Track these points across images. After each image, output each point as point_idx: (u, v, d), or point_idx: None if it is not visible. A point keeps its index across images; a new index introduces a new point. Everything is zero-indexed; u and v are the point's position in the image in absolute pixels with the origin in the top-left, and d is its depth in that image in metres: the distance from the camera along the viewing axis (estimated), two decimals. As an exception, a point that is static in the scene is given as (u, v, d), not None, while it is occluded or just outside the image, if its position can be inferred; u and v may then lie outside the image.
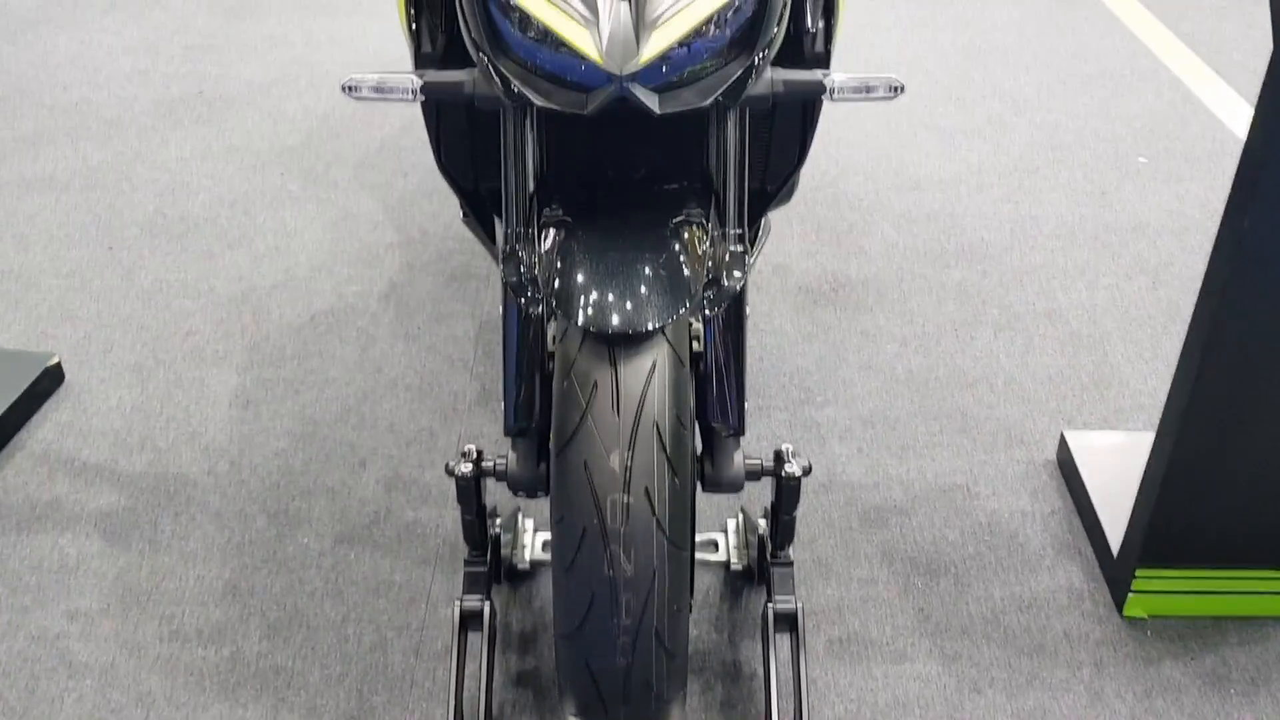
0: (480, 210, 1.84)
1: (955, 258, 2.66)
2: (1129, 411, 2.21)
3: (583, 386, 1.27)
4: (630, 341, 1.28)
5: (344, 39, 3.67)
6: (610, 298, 1.27)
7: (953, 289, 2.55)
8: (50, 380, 2.21)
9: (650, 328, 1.26)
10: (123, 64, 3.48)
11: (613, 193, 1.52)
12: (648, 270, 1.32)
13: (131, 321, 2.41)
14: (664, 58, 1.26)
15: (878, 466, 2.07)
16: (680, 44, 1.27)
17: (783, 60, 1.46)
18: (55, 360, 2.22)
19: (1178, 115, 3.29)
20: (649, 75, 1.26)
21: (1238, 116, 3.29)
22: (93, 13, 3.83)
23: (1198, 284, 2.56)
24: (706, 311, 1.40)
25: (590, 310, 1.26)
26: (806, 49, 1.58)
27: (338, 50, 3.60)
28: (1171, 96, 3.39)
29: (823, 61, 1.61)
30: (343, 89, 1.40)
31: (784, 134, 1.71)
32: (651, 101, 1.27)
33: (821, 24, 1.59)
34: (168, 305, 2.46)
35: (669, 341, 1.30)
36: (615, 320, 1.26)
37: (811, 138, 1.73)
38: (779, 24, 1.35)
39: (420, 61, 1.61)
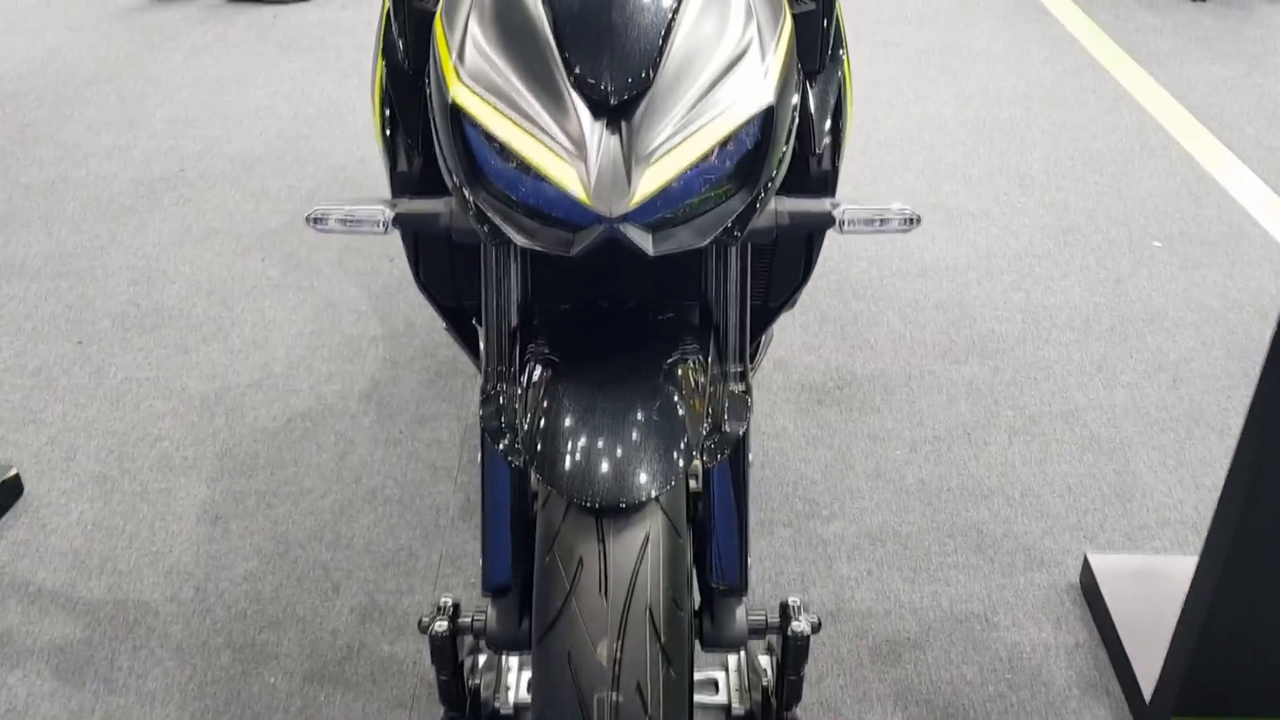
0: (463, 324, 1.72)
1: (965, 351, 2.53)
2: (1154, 528, 2.08)
3: (566, 564, 1.14)
4: (621, 513, 1.15)
5: (332, 112, 3.58)
6: (598, 464, 1.15)
7: (964, 387, 2.42)
8: (7, 494, 2.07)
9: (643, 499, 1.13)
10: (103, 139, 3.38)
11: (603, 324, 1.40)
12: (641, 426, 1.19)
13: (98, 425, 2.28)
14: (658, 195, 1.14)
15: (889, 591, 1.93)
16: (677, 179, 1.15)
17: (787, 179, 1.34)
18: (13, 473, 2.09)
19: (1191, 195, 3.18)
20: (641, 213, 1.15)
21: (1253, 197, 3.18)
22: (75, 84, 3.73)
23: (1220, 382, 2.44)
24: (707, 463, 1.27)
25: (576, 479, 1.13)
26: (813, 167, 1.47)
27: (325, 124, 3.50)
28: (1184, 174, 3.29)
29: (830, 180, 1.50)
30: (307, 221, 1.28)
31: (788, 250, 1.59)
32: (645, 242, 1.15)
33: (829, 139, 1.48)
34: (137, 407, 2.33)
35: (664, 510, 1.17)
36: (603, 491, 1.13)
37: (817, 254, 1.61)
38: (784, 153, 1.24)
39: (395, 181, 1.49)
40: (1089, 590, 1.91)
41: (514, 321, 1.36)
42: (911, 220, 1.28)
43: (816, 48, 1.44)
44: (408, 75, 1.44)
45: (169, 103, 3.61)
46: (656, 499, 1.16)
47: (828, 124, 1.47)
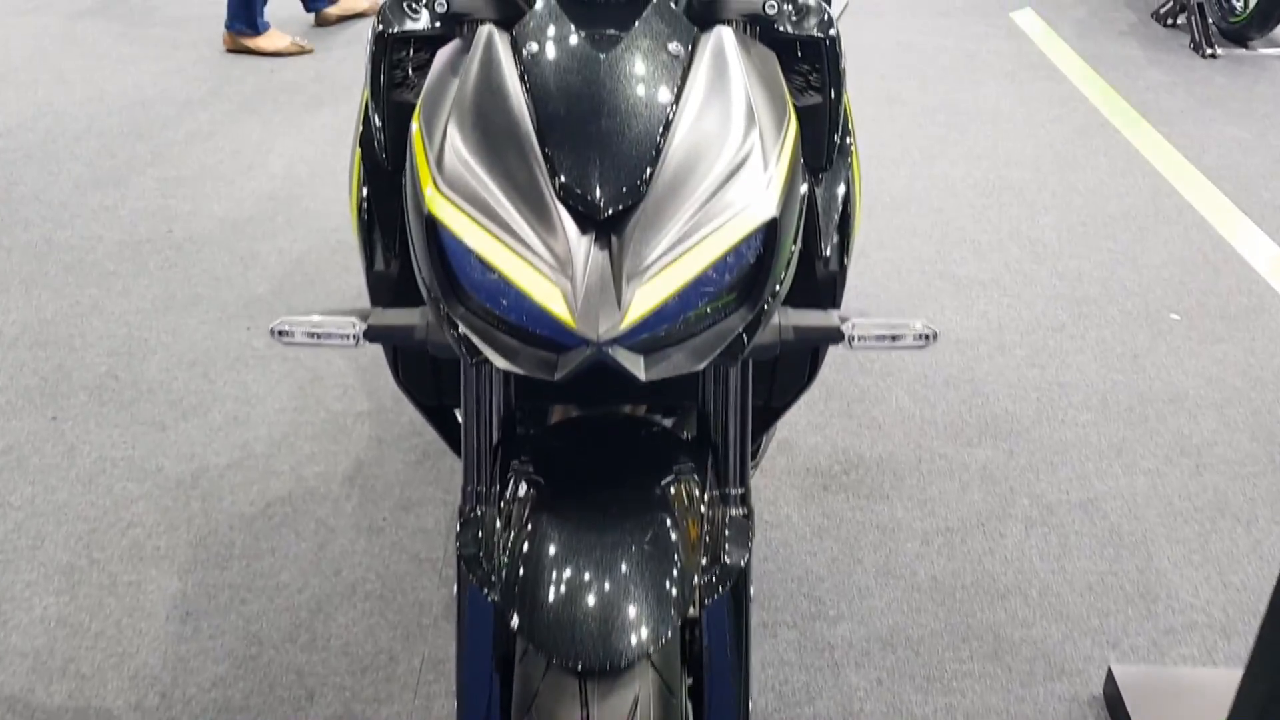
0: (445, 420, 1.62)
1: (978, 433, 2.42)
2: (1180, 631, 1.96)
3: (546, 730, 1.03)
4: (607, 673, 1.04)
5: (325, 171, 3.49)
6: (581, 618, 1.03)
7: (977, 472, 2.31)
8: (-34, 588, 1.97)
9: (632, 660, 1.02)
10: (91, 199, 3.29)
11: (592, 438, 1.29)
12: (631, 570, 1.08)
13: (68, 509, 2.18)
14: (651, 315, 1.04)
15: (900, 704, 1.82)
16: (671, 299, 1.05)
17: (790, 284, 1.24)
18: (-27, 565, 1.98)
19: (1209, 264, 3.08)
20: (633, 335, 1.04)
21: (1272, 266, 3.08)
22: (65, 140, 3.65)
23: (1244, 469, 2.33)
24: (704, 601, 1.16)
25: (556, 635, 1.02)
26: (819, 270, 1.37)
27: (318, 184, 3.42)
28: (1200, 241, 3.19)
29: (837, 282, 1.40)
30: (272, 334, 1.18)
31: (793, 352, 1.49)
32: (636, 366, 1.05)
33: (836, 239, 1.38)
34: (110, 489, 2.22)
35: (655, 668, 1.06)
36: (587, 651, 1.02)
37: (824, 354, 1.51)
38: (789, 265, 1.14)
39: (371, 281, 1.39)
40: (1113, 704, 1.79)
41: (495, 438, 1.26)
42: (927, 337, 1.18)
43: (823, 144, 1.34)
44: (386, 171, 1.35)
45: (160, 160, 3.54)
46: (648, 655, 1.05)
47: (835, 223, 1.37)
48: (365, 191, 1.37)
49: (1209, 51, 4.56)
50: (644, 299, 1.02)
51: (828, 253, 1.36)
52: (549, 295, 1.03)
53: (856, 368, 2.62)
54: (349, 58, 4.39)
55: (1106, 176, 3.57)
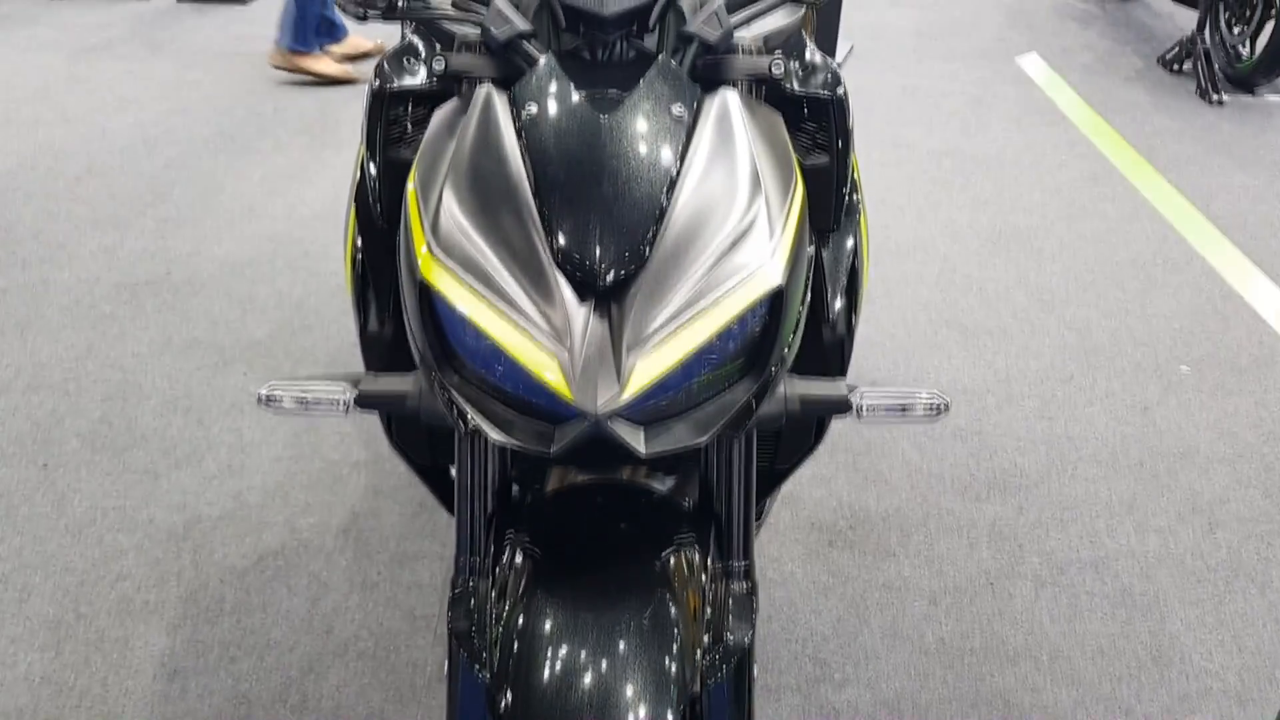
0: (440, 481, 1.58)
1: (986, 488, 2.38)
2: (1194, 699, 1.91)
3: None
4: None
5: (327, 213, 3.47)
6: (578, 704, 0.99)
7: (985, 529, 2.26)
8: (-52, 643, 1.92)
9: None
10: (89, 240, 3.27)
11: (589, 506, 1.25)
12: (629, 652, 1.03)
13: (56, 561, 2.13)
14: (652, 387, 1.00)
15: (907, 774, 1.76)
16: (672, 371, 1.01)
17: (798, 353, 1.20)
18: (-44, 620, 1.93)
19: (1218, 314, 3.04)
20: (633, 408, 1.01)
21: (1284, 317, 3.05)
22: (65, 180, 3.64)
23: (1259, 527, 2.28)
24: (706, 682, 1.11)
25: None
26: (825, 335, 1.33)
27: (320, 225, 3.39)
28: (1210, 291, 3.16)
29: (844, 346, 1.36)
30: (259, 400, 1.14)
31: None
32: (636, 440, 1.01)
33: (844, 300, 1.34)
34: (99, 540, 2.18)
35: None
36: None
37: (830, 418, 1.47)
38: (795, 333, 1.10)
39: (365, 342, 1.36)
40: (1128, 776, 1.74)
41: (490, 508, 1.22)
42: (938, 408, 1.14)
43: (830, 204, 1.31)
44: (381, 230, 1.31)
45: (160, 200, 3.51)
46: None
47: (842, 285, 1.34)
48: (359, 249, 1.34)
49: (1215, 98, 4.54)
50: (645, 370, 0.99)
51: (835, 316, 1.33)
52: (545, 365, 0.99)
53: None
54: (354, 98, 4.39)
55: (1114, 224, 3.54)
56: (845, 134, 1.31)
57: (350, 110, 4.25)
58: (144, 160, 3.79)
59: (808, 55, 1.36)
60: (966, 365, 2.79)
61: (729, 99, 1.12)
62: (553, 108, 1.08)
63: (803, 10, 1.38)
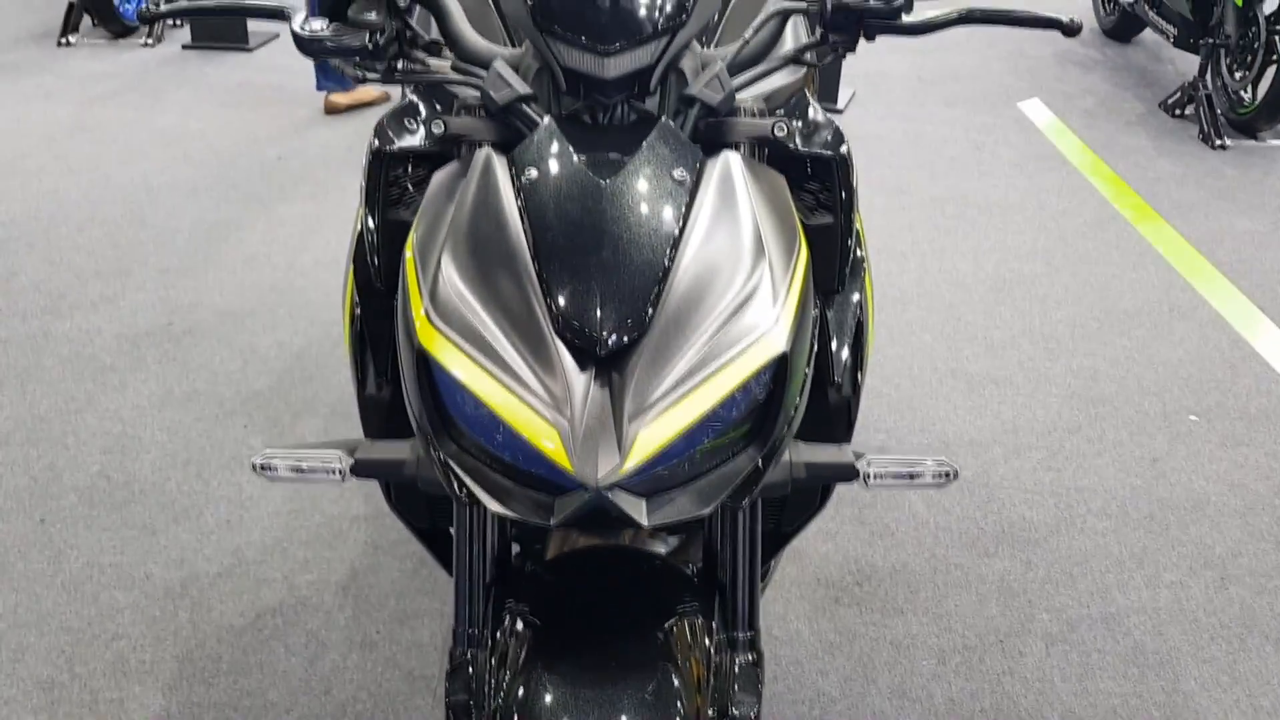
0: (439, 542, 1.55)
1: (995, 542, 2.34)
2: (1213, 761, 1.87)
3: None
4: None
5: (329, 260, 3.46)
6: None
7: (994, 584, 2.23)
8: (-61, 706, 1.88)
9: None
10: (91, 289, 3.26)
11: (591, 574, 1.22)
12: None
13: (52, 619, 2.10)
14: (654, 457, 0.98)
15: (917, 842, 1.72)
16: (675, 441, 0.99)
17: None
18: (-53, 682, 1.90)
19: (1226, 362, 3.02)
20: (634, 478, 0.98)
21: (1292, 365, 3.02)
22: (68, 229, 3.64)
23: (1272, 581, 2.24)
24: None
25: None
26: (831, 396, 1.31)
27: (322, 274, 3.38)
28: (1216, 339, 3.14)
29: (850, 408, 1.34)
30: (253, 469, 1.12)
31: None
32: (638, 512, 0.99)
33: (848, 360, 1.32)
34: (96, 598, 2.15)
35: None
36: None
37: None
38: (800, 399, 1.08)
39: (363, 406, 1.34)
40: (1144, 844, 1.69)
41: (488, 577, 1.19)
42: (946, 475, 1.12)
43: (835, 265, 1.29)
44: (380, 292, 1.30)
45: (162, 249, 3.51)
46: None
47: (847, 347, 1.32)
48: (358, 311, 1.32)
49: (1218, 143, 4.55)
50: (647, 441, 0.97)
51: (840, 377, 1.31)
52: (545, 435, 0.97)
53: (867, 471, 2.54)
54: (356, 145, 4.40)
55: (1119, 271, 3.52)
56: (849, 193, 1.29)
57: (353, 157, 4.26)
58: (147, 209, 3.79)
59: (810, 114, 1.35)
60: (972, 416, 2.77)
61: (731, 162, 1.11)
62: (553, 172, 1.07)
63: (805, 69, 1.37)
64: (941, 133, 4.67)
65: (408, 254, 1.10)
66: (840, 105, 4.90)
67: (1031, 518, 2.42)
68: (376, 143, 1.29)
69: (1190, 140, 4.66)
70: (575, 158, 1.08)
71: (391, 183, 1.30)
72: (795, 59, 1.22)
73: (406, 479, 1.12)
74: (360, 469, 1.12)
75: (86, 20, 5.62)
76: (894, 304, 3.27)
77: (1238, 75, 4.63)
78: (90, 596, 2.16)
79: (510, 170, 1.09)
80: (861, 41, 1.22)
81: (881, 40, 1.21)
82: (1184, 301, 3.35)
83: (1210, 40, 4.68)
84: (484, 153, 1.11)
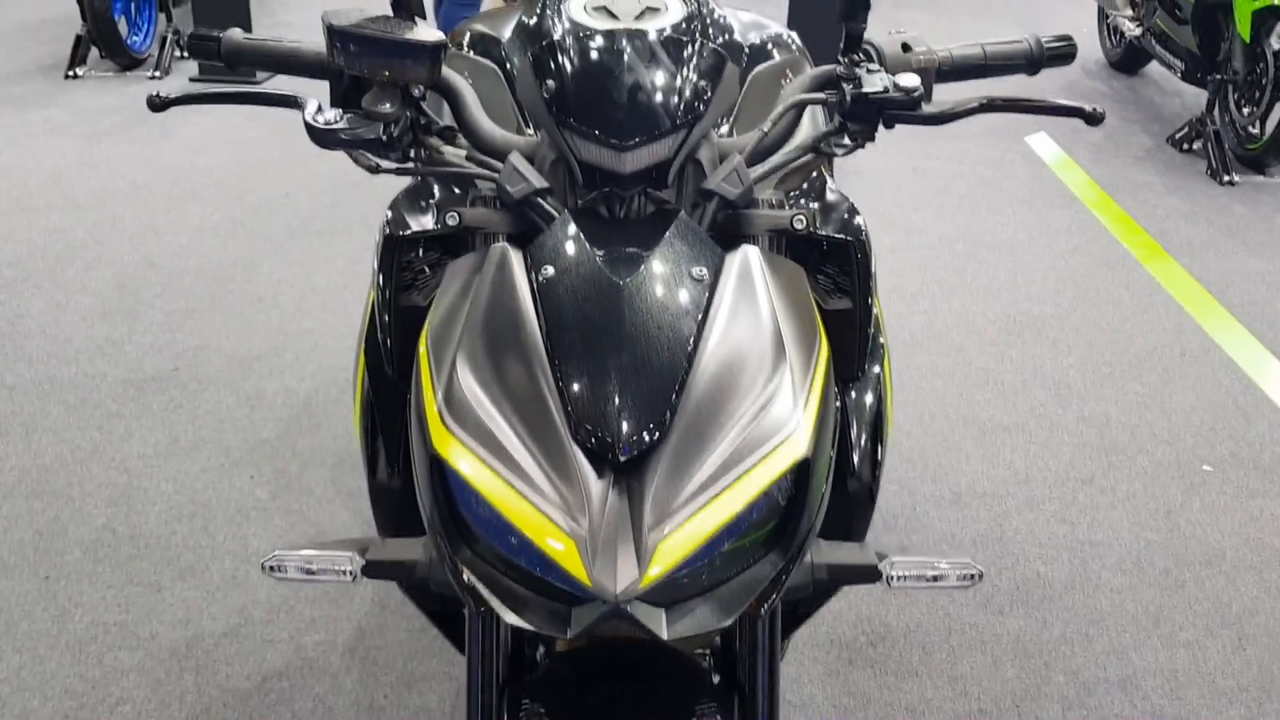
0: (452, 627, 1.52)
1: (1009, 600, 2.32)
2: (1235, 834, 1.83)
3: None
4: None
5: (337, 304, 3.45)
6: None
7: (1009, 645, 2.20)
8: (-58, 776, 1.86)
9: None
10: (97, 332, 3.25)
11: (607, 671, 1.20)
12: None
13: (56, 682, 2.08)
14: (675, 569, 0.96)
15: None
16: (696, 551, 0.97)
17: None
18: (-50, 751, 1.88)
19: (1239, 409, 3.00)
20: (654, 592, 0.96)
21: (1306, 412, 3.00)
22: (75, 269, 3.63)
23: (1294, 644, 2.21)
24: None
25: None
26: (850, 486, 1.29)
27: (329, 317, 3.37)
28: (1229, 385, 3.11)
29: (870, 495, 1.32)
30: (263, 569, 1.10)
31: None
32: (657, 624, 0.97)
33: (867, 449, 1.30)
34: (100, 660, 2.13)
35: None
36: None
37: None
38: (823, 499, 1.06)
39: (374, 494, 1.32)
40: None
41: (501, 676, 1.17)
42: (972, 577, 1.10)
43: (854, 351, 1.28)
44: (391, 379, 1.28)
45: (169, 291, 3.50)
46: None
47: (866, 435, 1.30)
48: (369, 398, 1.30)
49: (1227, 179, 4.54)
50: (667, 552, 0.95)
51: (858, 467, 1.29)
52: (561, 545, 0.95)
53: (880, 525, 2.52)
54: (361, 182, 4.39)
55: (1129, 313, 3.50)
56: (867, 279, 1.28)
57: (361, 193, 4.25)
58: (154, 248, 3.78)
59: (828, 195, 1.33)
60: (985, 465, 2.74)
61: (750, 257, 1.09)
62: (569, 270, 1.05)
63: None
64: (949, 168, 4.66)
65: (421, 348, 1.09)
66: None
67: (1046, 574, 2.39)
68: (389, 227, 1.27)
69: (1198, 176, 4.64)
70: (592, 255, 1.06)
71: (404, 266, 1.28)
72: (814, 149, 1.20)
73: (419, 581, 1.10)
74: (371, 569, 1.10)
75: (94, 52, 5.63)
76: (905, 347, 3.25)
77: (1246, 111, 4.63)
78: (95, 658, 2.13)
79: (526, 266, 1.08)
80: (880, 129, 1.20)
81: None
82: (1195, 345, 3.33)
83: (1218, 76, 4.67)
84: (499, 248, 1.10)
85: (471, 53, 1.45)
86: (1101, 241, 4.02)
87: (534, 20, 1.32)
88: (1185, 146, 4.86)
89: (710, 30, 1.30)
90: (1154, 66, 5.77)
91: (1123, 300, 3.59)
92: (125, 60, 5.57)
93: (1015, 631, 2.24)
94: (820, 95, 1.20)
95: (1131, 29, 5.43)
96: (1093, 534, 2.52)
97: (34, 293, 3.48)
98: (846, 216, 1.28)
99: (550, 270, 1.06)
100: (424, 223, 1.27)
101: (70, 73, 5.53)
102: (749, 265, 1.08)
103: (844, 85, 1.18)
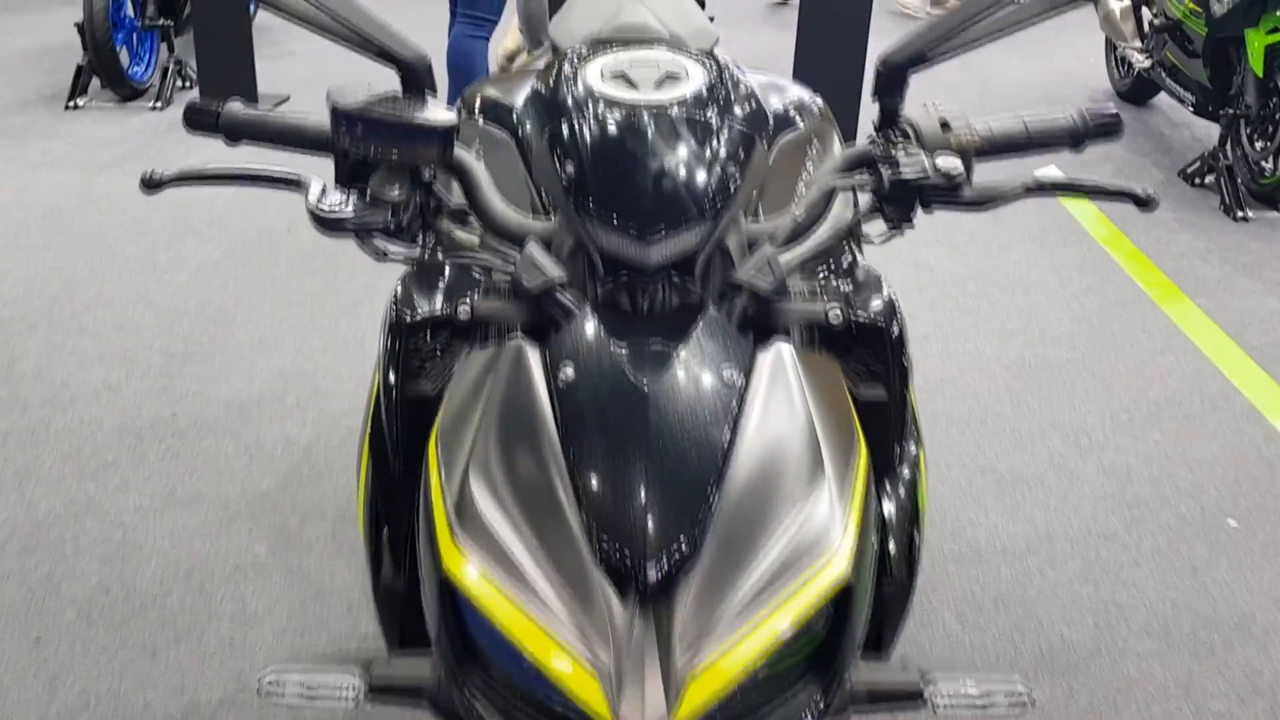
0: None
1: (1033, 665, 2.24)
2: None
3: None
4: None
5: (338, 345, 3.38)
6: None
7: (1036, 716, 2.12)
8: None
9: None
10: (93, 376, 3.18)
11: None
12: None
13: (44, 755, 2.00)
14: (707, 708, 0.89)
15: None
16: (730, 688, 0.90)
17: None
18: (-67, 835, 1.80)
19: (1263, 460, 2.92)
20: None
21: (1332, 462, 2.92)
22: (72, 308, 3.56)
23: (1330, 715, 2.13)
24: None
25: None
26: (885, 586, 1.22)
27: (330, 360, 3.30)
28: (1251, 433, 3.04)
29: (906, 595, 1.24)
30: (258, 689, 1.03)
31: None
32: None
33: (900, 553, 1.23)
34: (91, 731, 2.05)
35: None
36: None
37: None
38: (864, 624, 0.98)
39: (378, 595, 1.24)
40: None
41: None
42: (1023, 705, 1.02)
43: (889, 445, 1.20)
44: (396, 473, 1.21)
45: (167, 332, 3.43)
46: None
47: (901, 536, 1.22)
48: (374, 494, 1.23)
49: (1240, 214, 4.47)
50: (700, 689, 0.87)
51: (893, 568, 1.21)
52: (582, 679, 0.88)
53: (897, 584, 2.44)
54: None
55: (1146, 355, 3.44)
56: (902, 368, 1.21)
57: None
58: (153, 287, 3.72)
59: (858, 273, 1.27)
60: (1004, 520, 2.67)
61: (784, 356, 1.02)
62: (590, 372, 0.99)
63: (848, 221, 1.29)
64: (959, 203, 4.59)
65: (431, 450, 1.02)
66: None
67: (1071, 638, 2.32)
68: (397, 309, 1.20)
69: (1211, 211, 4.58)
70: (615, 355, 0.99)
71: (411, 353, 1.21)
72: (849, 234, 1.13)
73: (427, 702, 1.03)
74: (376, 690, 1.03)
75: (95, 82, 5.58)
76: (919, 393, 3.18)
77: (1259, 146, 4.56)
78: (86, 728, 2.06)
79: (544, 365, 1.01)
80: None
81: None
82: (1215, 390, 3.26)
83: (1230, 110, 4.62)
84: (515, 346, 1.03)
85: (483, 120, 1.38)
86: (1115, 280, 3.95)
87: (549, 88, 1.25)
88: (1197, 181, 4.80)
89: (734, 99, 1.23)
90: (1162, 97, 5.71)
91: (1139, 342, 3.52)
92: (126, 90, 5.51)
93: (1042, 701, 2.16)
94: (855, 178, 1.14)
95: (1141, 61, 5.38)
96: (1117, 594, 2.44)
97: (30, 333, 3.41)
98: (879, 297, 1.21)
99: (570, 372, 0.99)
100: (435, 305, 1.20)
101: (71, 103, 5.48)
102: (782, 364, 1.01)
103: (881, 168, 1.11)
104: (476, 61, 4.47)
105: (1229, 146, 4.63)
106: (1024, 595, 2.43)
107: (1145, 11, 5.38)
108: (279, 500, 2.68)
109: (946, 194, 1.11)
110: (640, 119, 1.06)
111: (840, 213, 1.17)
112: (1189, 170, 4.85)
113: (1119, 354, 3.44)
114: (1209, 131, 5.07)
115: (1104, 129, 1.20)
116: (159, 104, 5.52)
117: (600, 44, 2.00)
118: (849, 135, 4.51)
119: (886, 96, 1.13)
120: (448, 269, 1.26)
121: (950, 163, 1.09)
